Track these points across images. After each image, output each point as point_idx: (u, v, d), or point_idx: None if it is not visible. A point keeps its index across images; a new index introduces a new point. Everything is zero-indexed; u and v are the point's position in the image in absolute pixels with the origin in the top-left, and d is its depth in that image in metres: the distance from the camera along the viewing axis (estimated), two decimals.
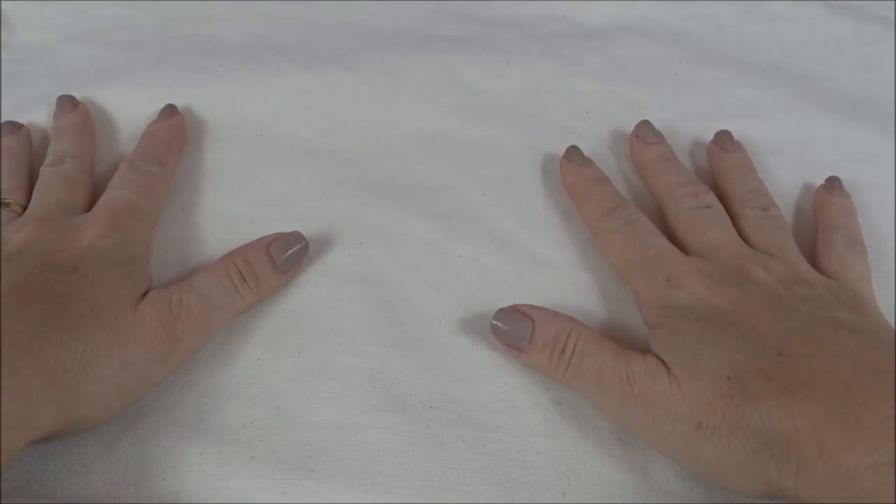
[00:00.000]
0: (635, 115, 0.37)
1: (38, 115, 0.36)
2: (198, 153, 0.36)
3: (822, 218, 0.33)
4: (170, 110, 0.35)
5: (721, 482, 0.26)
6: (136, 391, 0.27)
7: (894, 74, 0.39)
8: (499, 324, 0.28)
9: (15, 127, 0.35)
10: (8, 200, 0.31)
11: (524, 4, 0.42)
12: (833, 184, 0.34)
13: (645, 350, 0.27)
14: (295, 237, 0.31)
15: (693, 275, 0.28)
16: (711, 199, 0.32)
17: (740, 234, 0.31)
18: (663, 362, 0.26)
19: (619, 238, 0.30)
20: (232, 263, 0.29)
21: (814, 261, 0.31)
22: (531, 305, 0.29)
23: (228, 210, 0.34)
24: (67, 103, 0.35)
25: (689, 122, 0.37)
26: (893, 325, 0.30)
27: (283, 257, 0.30)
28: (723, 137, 0.35)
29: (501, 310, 0.29)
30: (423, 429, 0.28)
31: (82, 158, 0.33)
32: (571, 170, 0.34)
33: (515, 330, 0.28)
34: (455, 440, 0.28)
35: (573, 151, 0.34)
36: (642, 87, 0.39)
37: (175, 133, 0.35)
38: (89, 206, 0.31)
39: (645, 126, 0.35)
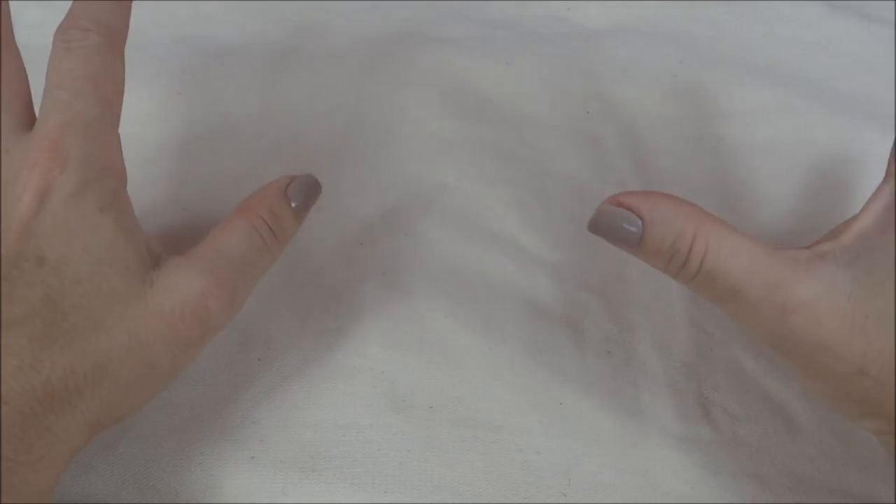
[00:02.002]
0: (635, 116, 0.37)
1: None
2: (198, 153, 0.36)
3: None
4: None
5: (826, 401, 0.23)
6: (169, 376, 0.24)
7: (894, 74, 0.39)
8: (600, 219, 0.23)
9: None
10: None
11: (524, 4, 0.42)
12: None
13: (806, 259, 0.22)
14: (308, 179, 0.28)
15: None
16: None
17: None
18: (840, 291, 0.21)
19: None
20: (258, 216, 0.26)
21: None
22: (647, 195, 0.23)
23: (231, 209, 0.34)
24: None
25: (689, 122, 0.37)
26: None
27: (301, 201, 0.27)
28: None
29: (605, 204, 0.23)
30: (423, 429, 0.28)
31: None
32: None
33: (618, 231, 0.22)
34: (455, 440, 0.28)
35: None
36: (642, 88, 0.39)
37: None
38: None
39: None
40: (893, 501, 0.26)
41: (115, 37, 0.24)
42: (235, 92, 0.37)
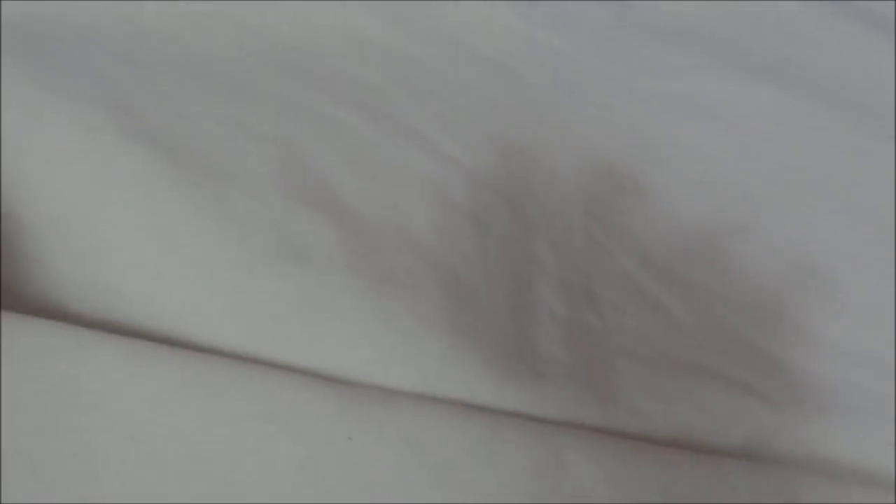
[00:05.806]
0: None
1: None
2: None
3: None
4: None
5: None
6: None
7: (894, 74, 0.39)
8: None
9: None
10: None
11: None
12: None
13: None
14: None
15: None
16: None
17: None
18: None
19: None
20: None
21: None
22: None
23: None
24: None
25: (688, 122, 0.37)
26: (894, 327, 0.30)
27: None
28: None
29: None
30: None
31: None
32: None
33: None
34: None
35: None
36: None
37: None
38: None
39: None
40: None
41: None
42: (235, 91, 0.37)
